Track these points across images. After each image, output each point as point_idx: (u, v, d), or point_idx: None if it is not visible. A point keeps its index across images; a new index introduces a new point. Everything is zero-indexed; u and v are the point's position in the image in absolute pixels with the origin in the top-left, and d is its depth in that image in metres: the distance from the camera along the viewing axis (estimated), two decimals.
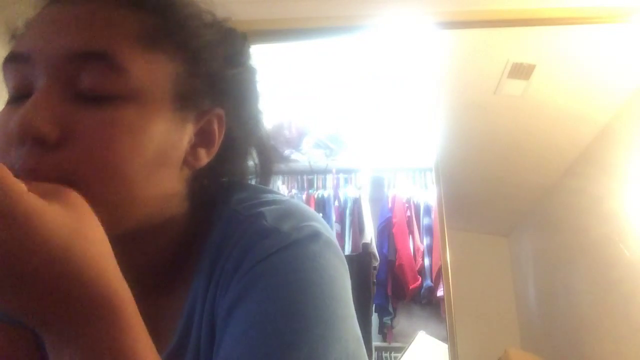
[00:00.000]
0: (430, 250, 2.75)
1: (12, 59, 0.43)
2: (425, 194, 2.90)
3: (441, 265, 2.03)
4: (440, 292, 2.54)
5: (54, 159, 0.38)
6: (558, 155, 2.11)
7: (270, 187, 0.60)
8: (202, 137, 0.47)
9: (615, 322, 1.80)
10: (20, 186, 0.31)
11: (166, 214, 0.46)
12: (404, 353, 2.29)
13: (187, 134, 0.46)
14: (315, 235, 0.45)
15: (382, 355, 2.85)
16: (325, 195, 2.99)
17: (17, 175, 0.32)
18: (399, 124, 2.65)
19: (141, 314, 0.36)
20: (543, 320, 2.28)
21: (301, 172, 3.11)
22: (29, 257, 0.29)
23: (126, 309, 0.34)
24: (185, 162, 0.46)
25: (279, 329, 0.39)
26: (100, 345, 0.32)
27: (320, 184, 3.11)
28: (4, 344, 0.49)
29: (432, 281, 2.67)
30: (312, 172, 3.10)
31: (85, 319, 0.32)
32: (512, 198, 2.36)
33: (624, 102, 1.80)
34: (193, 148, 0.47)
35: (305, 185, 3.11)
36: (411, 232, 2.82)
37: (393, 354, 2.81)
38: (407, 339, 2.51)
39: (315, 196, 2.98)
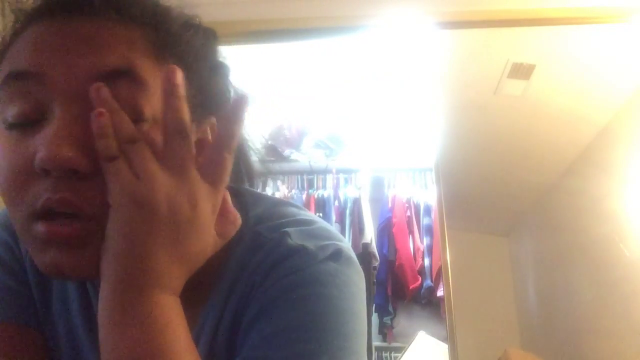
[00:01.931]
0: (430, 250, 2.75)
1: (18, 77, 0.40)
2: (425, 194, 2.90)
3: (441, 265, 2.03)
4: (440, 292, 2.54)
5: (88, 190, 0.38)
6: (558, 155, 2.11)
7: (266, 189, 0.61)
8: (199, 148, 0.45)
9: (615, 322, 1.80)
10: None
11: None
12: (404, 353, 2.29)
13: None
14: (338, 254, 0.47)
15: (382, 355, 2.86)
16: (325, 195, 2.99)
17: (48, 206, 0.37)
18: (399, 124, 2.65)
19: None
20: (543, 320, 2.28)
21: (301, 172, 3.11)
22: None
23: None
24: None
25: (301, 337, 0.41)
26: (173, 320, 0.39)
27: (320, 184, 3.11)
28: (14, 343, 0.50)
29: (432, 281, 2.67)
30: (312, 172, 3.10)
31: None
32: (512, 198, 2.36)
33: (624, 102, 1.80)
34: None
35: (305, 185, 3.11)
36: (411, 232, 2.82)
37: (393, 354, 2.81)
38: (407, 339, 2.51)
39: (315, 196, 2.99)
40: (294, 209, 0.54)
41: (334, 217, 2.85)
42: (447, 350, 1.93)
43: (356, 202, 2.90)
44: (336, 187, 3.02)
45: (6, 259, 0.54)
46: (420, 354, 2.27)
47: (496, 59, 1.82)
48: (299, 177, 3.13)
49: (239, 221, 0.45)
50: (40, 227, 0.38)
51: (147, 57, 0.42)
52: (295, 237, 0.47)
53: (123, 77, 0.40)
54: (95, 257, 0.39)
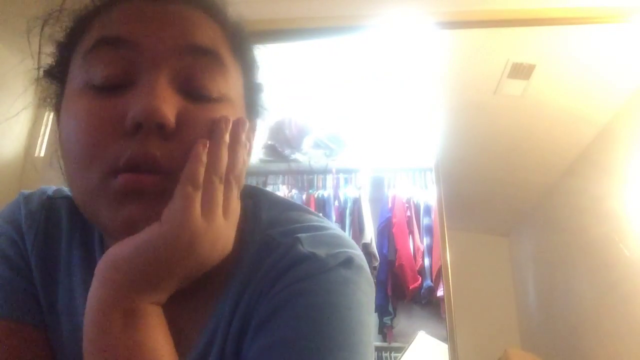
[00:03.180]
0: (430, 250, 2.75)
1: (111, 43, 0.43)
2: (425, 194, 2.90)
3: (441, 265, 2.03)
4: (440, 292, 2.54)
5: (169, 148, 0.41)
6: (558, 155, 2.11)
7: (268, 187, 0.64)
8: None
9: (615, 322, 1.80)
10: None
11: None
12: (404, 353, 2.29)
13: None
14: (348, 262, 0.47)
15: (382, 355, 2.85)
16: (325, 195, 2.99)
17: (133, 161, 0.40)
18: (399, 124, 2.64)
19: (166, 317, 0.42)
20: (543, 320, 2.28)
21: (301, 172, 3.10)
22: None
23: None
24: None
25: (307, 347, 0.41)
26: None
27: (320, 184, 3.10)
28: (18, 341, 0.50)
29: (432, 281, 2.67)
30: (312, 172, 3.09)
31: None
32: (512, 198, 2.36)
33: (624, 102, 1.80)
34: None
35: (305, 185, 3.11)
36: (411, 232, 2.81)
37: (393, 354, 2.81)
38: (407, 339, 2.51)
39: (315, 196, 2.98)
40: (307, 215, 0.54)
41: (334, 217, 2.85)
42: (447, 350, 1.93)
43: (356, 202, 2.90)
44: (336, 187, 3.02)
45: (12, 256, 0.53)
46: (420, 354, 2.27)
47: (496, 59, 1.82)
48: (299, 177, 3.12)
49: None
50: (121, 179, 0.40)
51: (225, 48, 0.48)
52: (306, 244, 0.47)
53: (208, 57, 0.45)
54: None
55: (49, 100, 0.52)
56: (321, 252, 0.46)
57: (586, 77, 1.78)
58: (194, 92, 0.44)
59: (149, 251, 0.39)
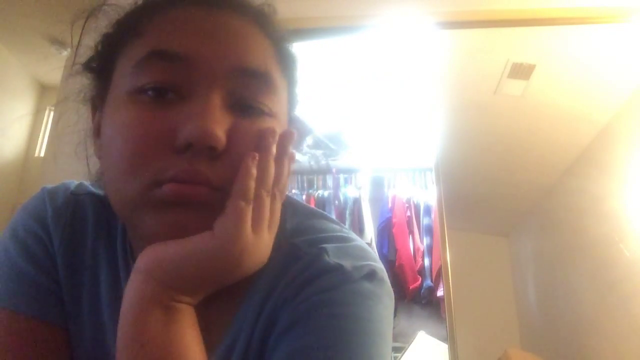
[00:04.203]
0: (430, 250, 2.75)
1: (164, 57, 0.43)
2: (425, 194, 2.90)
3: (441, 265, 2.03)
4: (440, 292, 2.54)
5: (218, 166, 0.41)
6: (558, 155, 2.11)
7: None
8: None
9: (615, 322, 1.80)
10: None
11: None
12: (404, 353, 2.29)
13: None
14: (372, 275, 0.48)
15: None
16: (325, 195, 2.99)
17: (180, 176, 0.40)
18: (399, 124, 2.64)
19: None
20: (543, 320, 2.28)
21: (301, 172, 3.10)
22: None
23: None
24: None
25: (326, 356, 0.42)
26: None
27: (320, 184, 3.11)
28: (36, 339, 0.50)
29: (432, 281, 2.67)
30: (312, 172, 3.10)
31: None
32: (512, 198, 2.36)
33: (624, 102, 1.80)
34: None
35: (305, 185, 3.11)
36: (411, 232, 2.82)
37: (393, 354, 2.81)
38: (407, 339, 2.51)
39: (315, 196, 2.98)
40: (331, 224, 0.55)
41: (334, 217, 2.84)
42: (447, 350, 1.93)
43: (356, 202, 2.90)
44: (336, 187, 3.02)
45: (38, 254, 0.53)
46: (420, 354, 2.27)
47: (496, 59, 1.82)
48: (299, 177, 3.13)
49: None
50: (168, 187, 0.40)
51: (275, 67, 0.48)
52: (332, 255, 0.48)
53: (260, 79, 0.45)
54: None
55: (83, 94, 0.52)
56: (347, 264, 0.47)
57: (586, 77, 1.78)
58: (243, 108, 0.44)
59: (199, 259, 0.40)
